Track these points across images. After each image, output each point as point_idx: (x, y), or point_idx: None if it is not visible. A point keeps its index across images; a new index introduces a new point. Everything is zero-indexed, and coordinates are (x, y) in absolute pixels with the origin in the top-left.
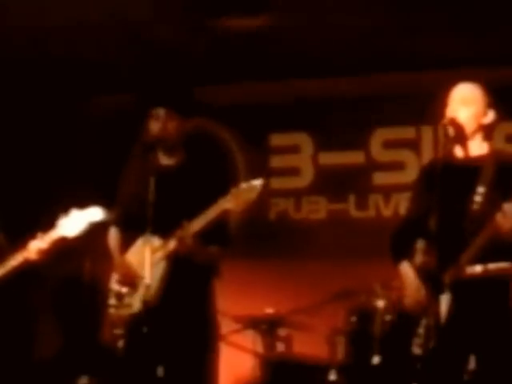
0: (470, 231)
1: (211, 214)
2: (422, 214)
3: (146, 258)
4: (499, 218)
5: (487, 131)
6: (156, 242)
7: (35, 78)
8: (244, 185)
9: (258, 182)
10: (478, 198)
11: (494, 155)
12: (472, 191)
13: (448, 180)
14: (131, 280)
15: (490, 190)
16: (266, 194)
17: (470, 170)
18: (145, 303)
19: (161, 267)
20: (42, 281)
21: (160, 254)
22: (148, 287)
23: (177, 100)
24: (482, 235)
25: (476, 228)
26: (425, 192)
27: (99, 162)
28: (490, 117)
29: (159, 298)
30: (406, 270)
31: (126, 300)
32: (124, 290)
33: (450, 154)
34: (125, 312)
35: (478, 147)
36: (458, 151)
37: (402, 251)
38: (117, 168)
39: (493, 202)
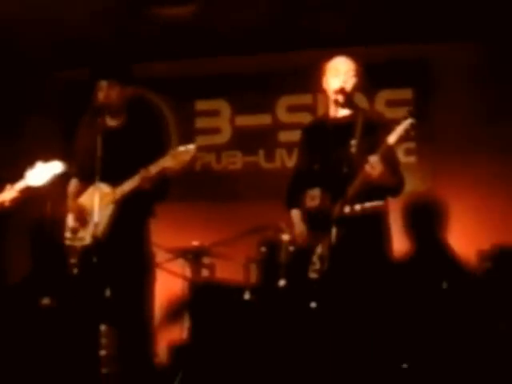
0: (348, 175)
1: (158, 166)
2: (307, 167)
3: (96, 201)
4: (367, 168)
5: (355, 92)
6: (105, 188)
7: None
8: (180, 148)
9: (191, 147)
10: (352, 149)
11: (362, 114)
12: (347, 143)
13: (330, 135)
14: (82, 218)
15: (360, 142)
16: None
17: (345, 126)
18: (94, 237)
19: (110, 209)
20: (14, 220)
21: (109, 198)
22: (97, 224)
23: (117, 72)
24: (357, 180)
25: (352, 172)
26: (307, 148)
27: (61, 124)
28: (358, 84)
29: (107, 233)
30: (295, 216)
31: (79, 234)
32: (77, 225)
33: (333, 113)
34: (78, 243)
35: (351, 108)
36: (339, 111)
37: (292, 201)
38: (73, 130)
39: (363, 151)
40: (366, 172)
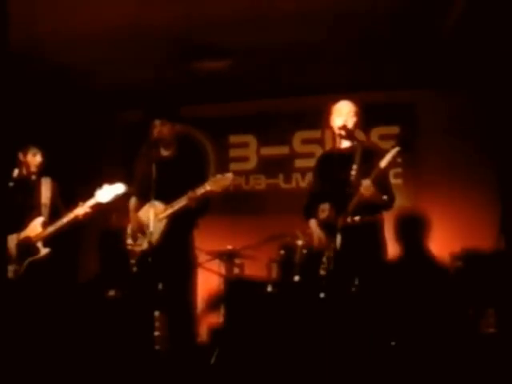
0: (350, 194)
1: (204, 188)
2: (319, 187)
3: (151, 215)
4: (361, 190)
5: (356, 129)
6: (158, 205)
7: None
8: (220, 175)
9: (230, 175)
10: (353, 172)
11: (361, 145)
12: (350, 168)
13: (336, 162)
14: (140, 228)
15: (359, 167)
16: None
17: (348, 155)
18: (149, 243)
19: (163, 222)
20: (86, 230)
21: (163, 214)
22: (152, 233)
23: (168, 113)
24: (355, 197)
25: (354, 192)
26: (319, 173)
27: (124, 155)
28: (357, 122)
29: (160, 242)
30: (312, 225)
31: (138, 241)
32: (136, 233)
33: (337, 146)
34: (137, 248)
35: (353, 139)
36: (342, 144)
37: (310, 214)
38: (134, 160)
39: (362, 174)
40: (360, 192)
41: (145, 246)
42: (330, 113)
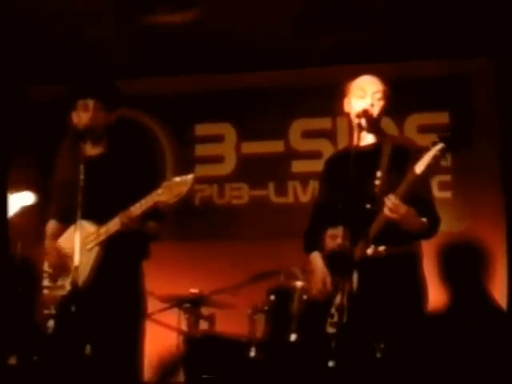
0: (373, 212)
1: (146, 203)
2: (329, 201)
3: (76, 242)
4: (385, 211)
5: (382, 117)
6: (88, 227)
7: None
8: (176, 179)
9: (189, 177)
10: (377, 182)
11: (390, 141)
12: (373, 175)
13: (353, 167)
14: (62, 263)
15: (386, 174)
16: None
17: (371, 156)
18: (73, 284)
19: (94, 252)
20: None
21: (94, 240)
22: (77, 270)
23: (104, 92)
24: (380, 217)
25: (378, 209)
26: (329, 182)
27: (34, 149)
28: (386, 107)
29: (91, 280)
30: (315, 260)
31: (59, 282)
32: (56, 271)
33: (356, 141)
34: (58, 293)
35: (379, 132)
36: (363, 138)
37: (312, 244)
38: (49, 155)
39: (390, 185)
40: (384, 214)
41: (68, 288)
42: (346, 92)
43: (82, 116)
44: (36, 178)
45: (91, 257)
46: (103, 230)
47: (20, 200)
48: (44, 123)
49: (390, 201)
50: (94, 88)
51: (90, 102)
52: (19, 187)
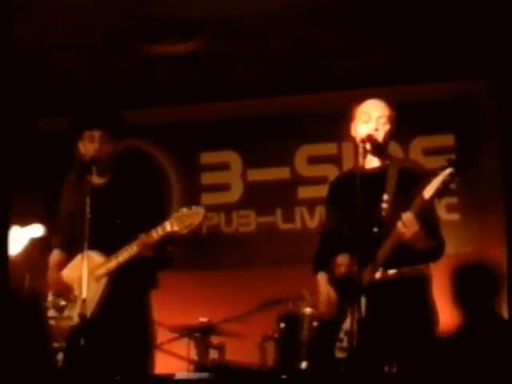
0: (380, 236)
1: (159, 232)
2: (336, 225)
3: (84, 273)
4: (400, 227)
5: (389, 141)
6: (95, 257)
7: None
8: (185, 210)
9: (200, 208)
10: (384, 205)
11: (396, 164)
12: (379, 199)
13: (359, 190)
14: (67, 293)
15: (394, 197)
16: None
17: (377, 179)
18: (81, 316)
19: (102, 283)
20: None
21: (102, 270)
22: (84, 301)
23: (110, 123)
24: (389, 241)
25: (385, 233)
26: (336, 205)
27: (40, 181)
28: (391, 131)
29: (99, 311)
30: (321, 279)
31: (66, 312)
32: (63, 302)
33: (361, 165)
34: (65, 324)
35: (384, 156)
36: (368, 162)
37: (320, 265)
38: (56, 186)
39: (397, 208)
40: (398, 231)
41: (75, 319)
42: (352, 117)
43: (88, 147)
44: (43, 210)
45: (99, 287)
46: (113, 260)
47: (29, 232)
48: (51, 154)
49: (406, 216)
50: (99, 119)
51: (96, 133)
52: (27, 220)
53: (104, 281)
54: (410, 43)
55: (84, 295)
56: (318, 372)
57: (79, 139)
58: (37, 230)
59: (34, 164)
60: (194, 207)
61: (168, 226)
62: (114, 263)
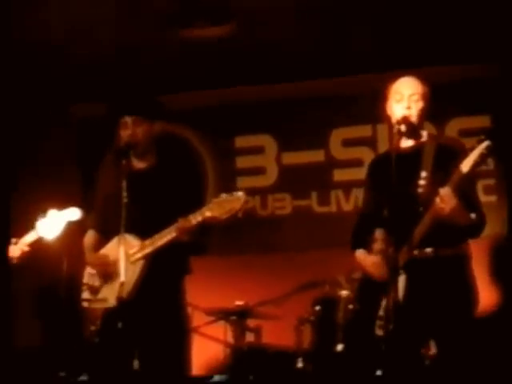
0: (418, 214)
1: (199, 216)
2: (374, 206)
3: (121, 256)
4: (437, 203)
5: (423, 120)
6: (132, 240)
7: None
8: (226, 195)
9: (241, 194)
10: (422, 182)
11: (433, 141)
12: (416, 176)
13: (396, 169)
14: (104, 275)
15: (431, 174)
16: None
17: (414, 157)
18: (119, 300)
19: (139, 265)
20: (21, 281)
21: (138, 253)
22: (122, 284)
23: (142, 107)
24: (426, 218)
25: (423, 210)
26: (374, 186)
27: (77, 165)
28: (425, 110)
29: (134, 294)
30: (361, 255)
31: (100, 294)
32: (97, 283)
33: (397, 145)
34: (99, 306)
35: (419, 136)
36: (404, 142)
37: (359, 242)
38: (92, 171)
39: (435, 185)
40: (436, 207)
41: (111, 302)
42: (386, 97)
43: (122, 133)
44: (80, 194)
45: (136, 270)
46: (149, 242)
47: (66, 216)
48: (86, 140)
49: (444, 191)
50: (131, 105)
51: (129, 119)
52: (64, 203)
53: (140, 264)
54: (445, 24)
55: (122, 278)
56: (354, 354)
57: (116, 126)
58: (74, 214)
59: (70, 149)
60: (234, 193)
61: (207, 212)
62: (150, 247)
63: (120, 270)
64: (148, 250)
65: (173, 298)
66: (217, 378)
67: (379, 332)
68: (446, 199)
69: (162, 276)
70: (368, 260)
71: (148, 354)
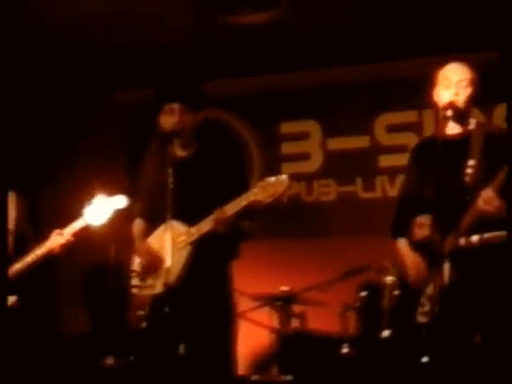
0: (465, 203)
1: (241, 203)
2: (416, 191)
3: (167, 243)
4: (480, 204)
5: (471, 107)
6: (178, 227)
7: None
8: (270, 179)
9: (284, 177)
10: (469, 171)
11: (481, 129)
12: (463, 164)
13: (442, 156)
14: (152, 262)
15: (479, 162)
16: None
17: (461, 144)
18: (166, 286)
19: (186, 251)
20: (68, 268)
21: (185, 240)
22: (169, 271)
23: (189, 94)
24: (472, 210)
25: (470, 199)
26: (417, 170)
27: (122, 153)
28: (473, 96)
29: (181, 280)
30: (403, 247)
31: (149, 281)
32: (145, 270)
33: (443, 131)
34: (147, 292)
35: (466, 123)
36: (450, 128)
37: (398, 230)
38: (137, 159)
39: (483, 174)
40: (480, 208)
41: (158, 288)
42: (433, 84)
43: (168, 119)
44: (126, 182)
45: (182, 256)
46: (195, 229)
47: (113, 203)
48: (133, 127)
49: (486, 193)
50: (178, 92)
51: (176, 106)
52: (111, 191)
53: (187, 249)
54: (494, 8)
55: (168, 264)
56: (400, 340)
57: (160, 112)
58: (120, 201)
59: (116, 136)
60: (278, 176)
61: (252, 196)
62: (196, 234)
63: (167, 256)
64: (194, 237)
65: (220, 283)
66: None
67: (421, 319)
68: (489, 201)
69: (209, 261)
70: (410, 256)
71: (194, 340)
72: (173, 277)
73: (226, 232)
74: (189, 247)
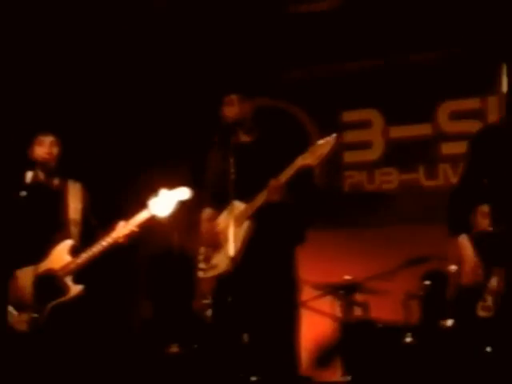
0: None
1: (292, 168)
2: (473, 180)
3: (231, 222)
4: None
5: None
6: (239, 206)
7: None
8: (320, 141)
9: (331, 137)
10: None
11: None
12: None
13: (506, 143)
14: (216, 240)
15: None
16: (340, 166)
17: None
18: (229, 261)
19: (245, 226)
20: (134, 256)
21: (244, 215)
22: (231, 245)
23: (245, 84)
24: None
25: None
26: (475, 159)
27: (185, 146)
28: None
29: (243, 252)
30: (464, 245)
31: (213, 261)
32: (210, 252)
33: (505, 120)
34: (212, 274)
35: None
36: None
37: (459, 224)
38: (201, 151)
39: None
40: None
41: (222, 266)
42: (502, 70)
43: (229, 110)
44: (190, 174)
45: (242, 230)
46: (250, 205)
47: (176, 195)
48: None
49: None
50: (235, 82)
51: (234, 97)
52: (175, 184)
53: (246, 224)
54: None
55: (230, 239)
56: (462, 331)
57: (221, 104)
58: (184, 193)
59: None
60: (326, 137)
61: (301, 160)
62: (253, 208)
63: (229, 233)
64: (250, 211)
65: (285, 267)
66: None
67: (482, 313)
68: None
69: (273, 240)
70: (468, 256)
71: (258, 328)
72: (235, 250)
73: (283, 201)
74: (247, 222)
